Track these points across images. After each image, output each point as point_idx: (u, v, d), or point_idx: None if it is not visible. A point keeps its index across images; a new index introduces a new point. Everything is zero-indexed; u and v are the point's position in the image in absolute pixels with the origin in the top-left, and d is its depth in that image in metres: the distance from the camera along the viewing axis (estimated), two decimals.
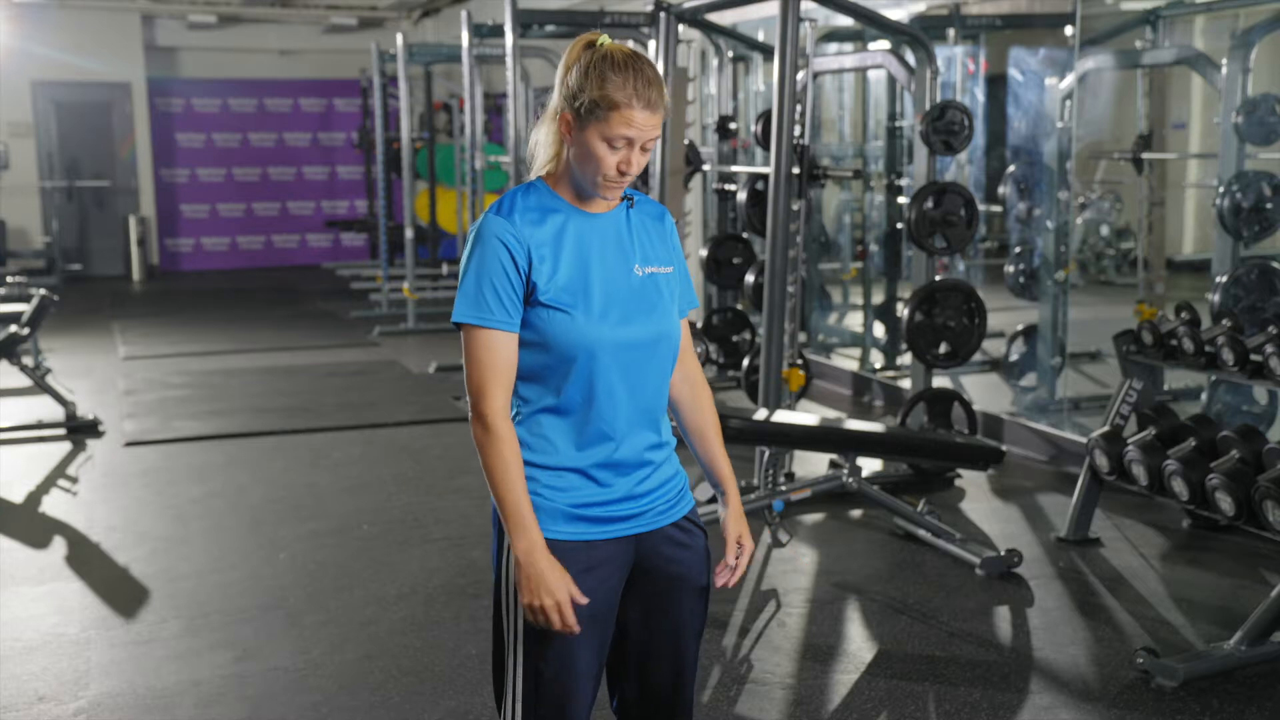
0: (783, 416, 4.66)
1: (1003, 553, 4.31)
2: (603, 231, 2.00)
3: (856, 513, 4.98)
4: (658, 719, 2.13)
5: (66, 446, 6.22)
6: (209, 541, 4.74)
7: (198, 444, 6.24)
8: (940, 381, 5.92)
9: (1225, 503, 3.80)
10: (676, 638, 2.11)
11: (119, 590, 4.23)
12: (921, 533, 4.58)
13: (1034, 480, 5.46)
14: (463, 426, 6.50)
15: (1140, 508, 4.91)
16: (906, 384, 6.67)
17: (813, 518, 4.93)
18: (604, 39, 1.95)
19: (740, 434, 4.55)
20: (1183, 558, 4.49)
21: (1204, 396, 5.74)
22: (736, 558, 2.13)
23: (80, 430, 6.46)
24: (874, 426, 4.96)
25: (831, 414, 6.76)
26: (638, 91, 1.89)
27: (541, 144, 2.01)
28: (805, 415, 4.94)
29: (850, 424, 4.93)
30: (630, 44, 1.97)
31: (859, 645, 3.72)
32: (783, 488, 4.72)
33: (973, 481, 5.39)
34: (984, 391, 6.75)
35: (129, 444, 6.22)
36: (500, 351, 1.92)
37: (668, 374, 2.07)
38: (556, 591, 1.88)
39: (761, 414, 4.70)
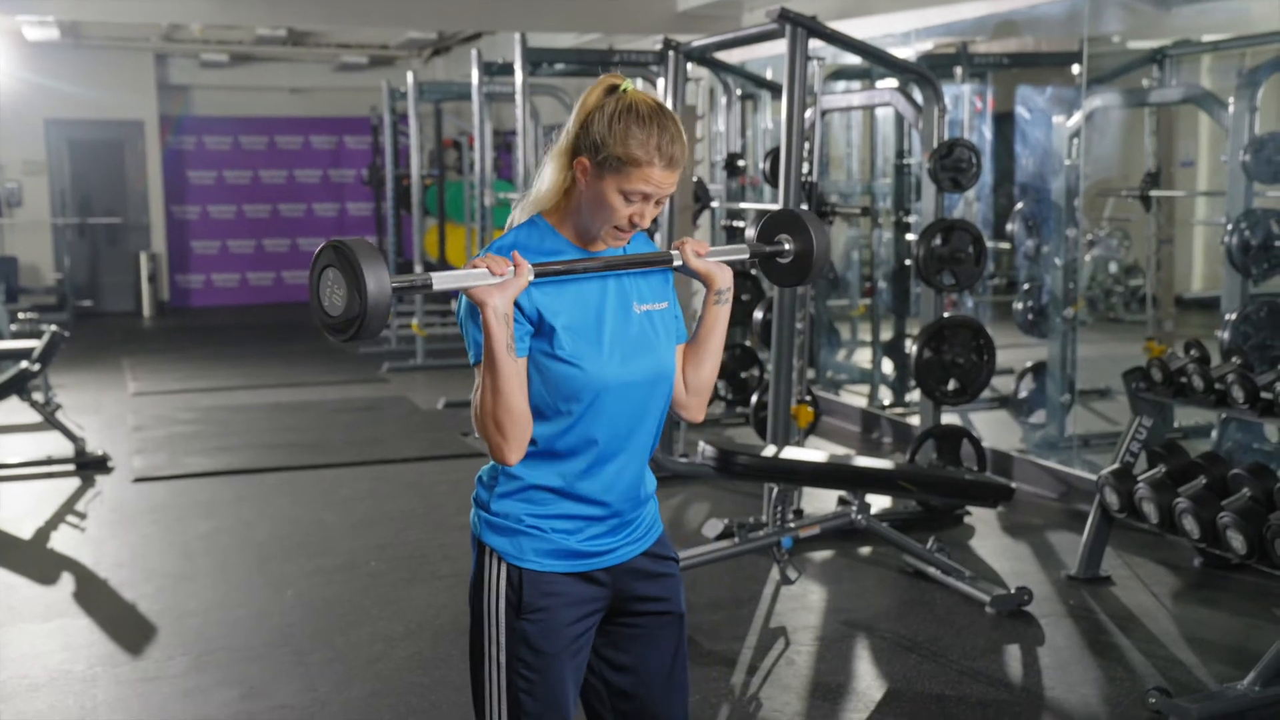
0: (791, 453, 4.65)
1: (1013, 590, 4.29)
2: (604, 272, 2.01)
3: (865, 550, 4.96)
4: None
5: (75, 482, 6.22)
6: (216, 578, 4.73)
7: (206, 480, 6.24)
8: (949, 418, 5.91)
9: (1237, 541, 3.78)
10: (667, 666, 2.12)
11: (126, 627, 4.22)
12: (931, 570, 4.56)
13: (1044, 517, 5.43)
14: (471, 462, 6.50)
15: (1151, 545, 4.89)
16: (915, 420, 6.66)
17: (821, 555, 4.91)
18: (627, 84, 1.93)
19: (748, 470, 4.54)
20: (1195, 596, 4.46)
21: (1214, 434, 5.72)
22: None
23: (89, 466, 6.47)
24: (883, 463, 4.95)
25: (840, 450, 6.75)
26: (660, 149, 1.87)
27: (547, 178, 1.99)
28: (814, 452, 4.93)
29: (859, 461, 4.92)
30: (640, 83, 1.98)
31: (868, 684, 3.69)
32: (791, 525, 4.70)
33: (982, 519, 5.37)
34: (993, 428, 6.74)
35: (138, 480, 6.22)
36: None
37: (662, 415, 2.07)
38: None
39: (770, 450, 4.69)
